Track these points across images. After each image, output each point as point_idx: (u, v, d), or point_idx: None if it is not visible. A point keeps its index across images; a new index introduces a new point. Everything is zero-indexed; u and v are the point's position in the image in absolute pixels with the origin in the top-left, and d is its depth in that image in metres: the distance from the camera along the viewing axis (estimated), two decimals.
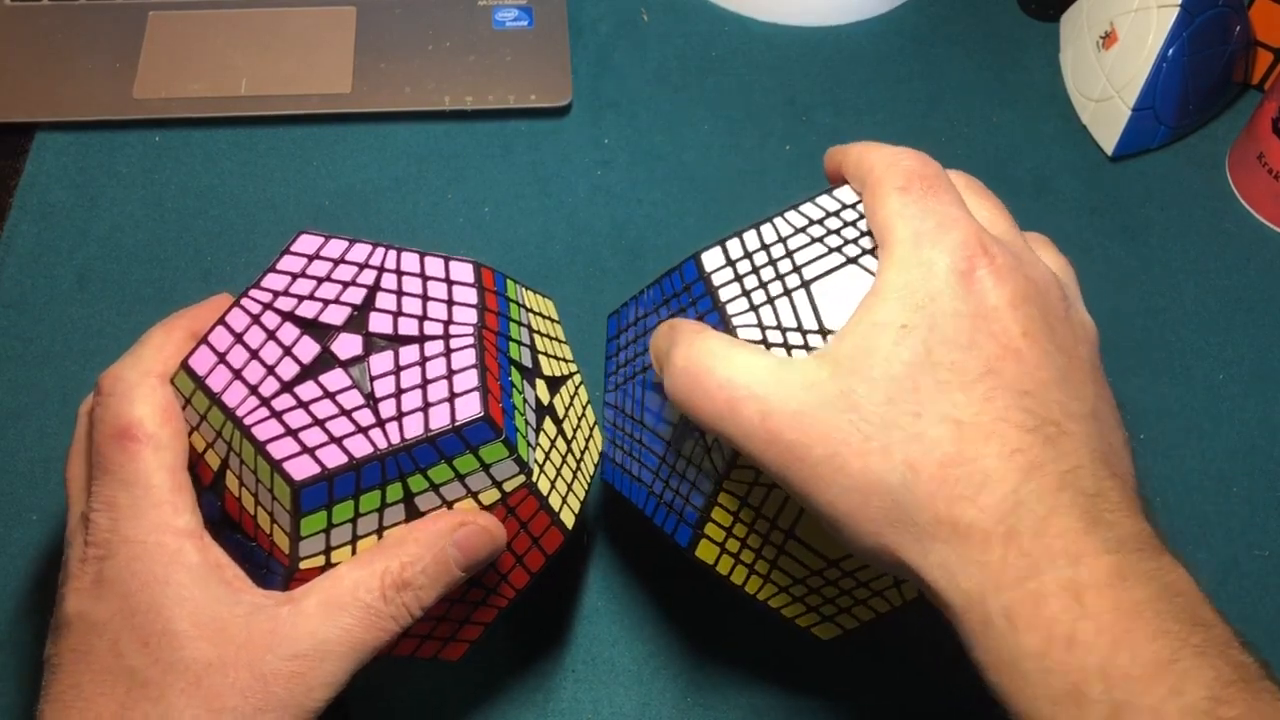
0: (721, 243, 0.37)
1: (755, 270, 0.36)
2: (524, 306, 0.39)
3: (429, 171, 0.58)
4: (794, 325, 0.35)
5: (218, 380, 0.35)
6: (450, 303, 0.37)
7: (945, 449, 0.30)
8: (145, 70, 0.59)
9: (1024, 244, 0.35)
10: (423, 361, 0.35)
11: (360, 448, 0.33)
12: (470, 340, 0.35)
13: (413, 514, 0.35)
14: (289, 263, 0.37)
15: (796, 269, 0.36)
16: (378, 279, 0.37)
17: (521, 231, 0.56)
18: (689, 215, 0.57)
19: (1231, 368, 0.53)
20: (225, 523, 0.35)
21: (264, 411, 0.34)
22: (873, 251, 0.37)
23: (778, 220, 0.38)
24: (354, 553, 0.35)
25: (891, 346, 0.31)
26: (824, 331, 0.35)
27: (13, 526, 0.46)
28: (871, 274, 0.36)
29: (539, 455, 0.37)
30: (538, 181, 0.58)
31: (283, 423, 0.34)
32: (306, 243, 0.38)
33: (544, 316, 0.41)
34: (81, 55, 0.59)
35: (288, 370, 0.35)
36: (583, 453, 0.40)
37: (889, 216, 0.34)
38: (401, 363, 0.35)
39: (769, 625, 0.40)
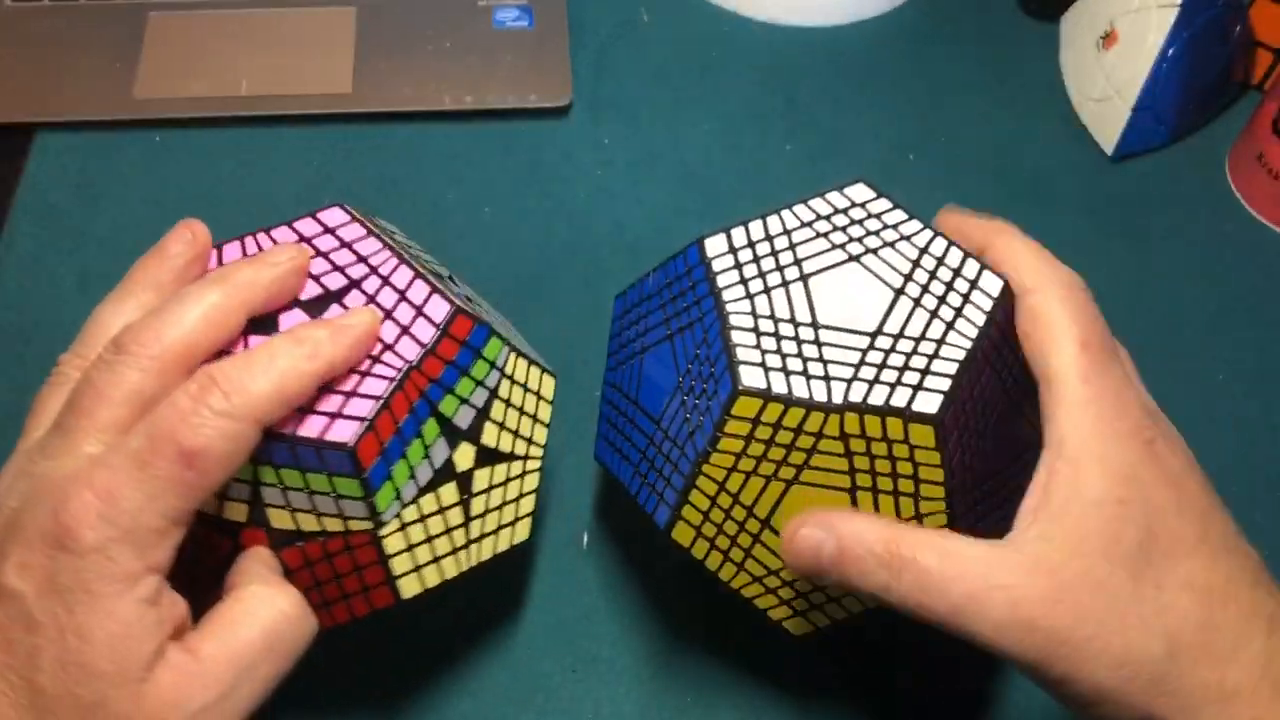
0: (726, 230, 0.37)
1: (756, 260, 0.37)
2: (501, 370, 0.37)
3: (429, 171, 0.58)
4: (787, 316, 0.35)
5: None
6: (404, 330, 0.35)
7: (1196, 616, 0.32)
8: (145, 70, 0.59)
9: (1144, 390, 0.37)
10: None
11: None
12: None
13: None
14: (305, 226, 0.38)
15: (797, 262, 0.37)
16: (364, 276, 0.36)
17: (521, 231, 0.56)
18: (689, 215, 0.57)
19: (1231, 368, 0.53)
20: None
21: None
22: (876, 251, 0.37)
23: (785, 213, 0.38)
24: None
25: (1118, 523, 0.32)
26: (816, 325, 0.35)
27: None
28: (873, 273, 0.36)
29: (410, 513, 0.35)
30: (538, 181, 0.58)
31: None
32: (332, 216, 0.38)
33: (531, 391, 0.39)
34: (81, 55, 0.59)
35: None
36: (483, 536, 0.38)
37: (1066, 371, 0.34)
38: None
39: (769, 625, 0.40)
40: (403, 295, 0.36)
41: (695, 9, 0.65)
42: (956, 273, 0.37)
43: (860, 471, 0.35)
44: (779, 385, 0.34)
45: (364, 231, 0.37)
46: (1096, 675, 0.32)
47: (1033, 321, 0.35)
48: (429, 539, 0.36)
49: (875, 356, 0.35)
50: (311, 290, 0.36)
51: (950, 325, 0.36)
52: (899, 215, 0.38)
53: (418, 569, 0.36)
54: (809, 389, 0.34)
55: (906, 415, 0.34)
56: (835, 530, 0.34)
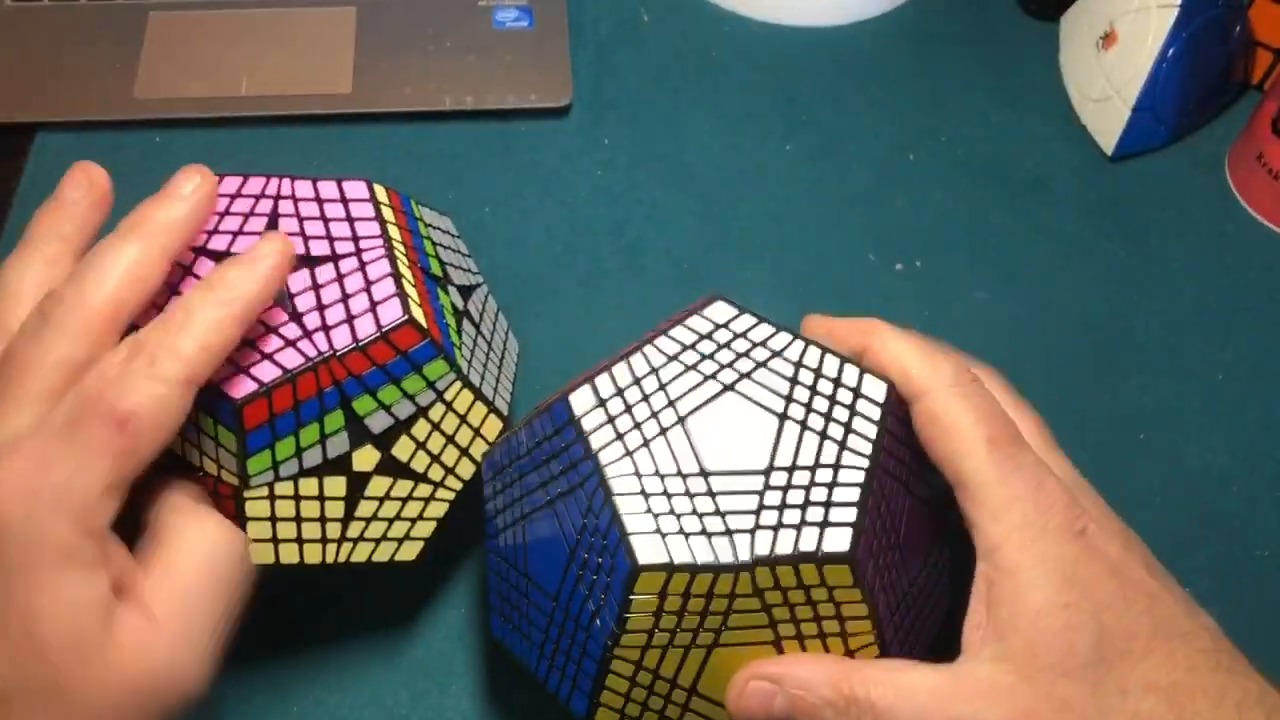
0: (590, 380, 0.35)
1: (628, 409, 0.34)
2: (439, 394, 0.38)
3: (429, 171, 0.58)
4: (672, 470, 0.33)
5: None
6: (349, 319, 0.36)
7: (1167, 718, 0.31)
8: (145, 70, 0.59)
9: (1061, 459, 0.35)
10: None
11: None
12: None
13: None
14: (326, 188, 0.38)
15: (671, 403, 0.34)
16: (347, 254, 0.37)
17: (521, 231, 0.56)
18: (689, 215, 0.57)
19: (1231, 368, 0.53)
20: None
21: None
22: (750, 375, 0.35)
23: (648, 349, 0.35)
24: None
25: (1069, 632, 0.31)
26: (705, 474, 0.33)
27: None
28: (752, 401, 0.34)
29: (284, 488, 0.36)
30: (538, 181, 0.58)
31: None
32: (354, 188, 0.39)
33: (469, 425, 0.39)
34: (81, 55, 0.59)
35: None
36: (361, 539, 0.38)
37: (981, 474, 0.33)
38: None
39: None
40: (368, 286, 0.36)
41: (695, 9, 0.65)
42: (837, 383, 0.35)
43: (782, 622, 0.33)
44: (680, 553, 0.32)
45: (371, 213, 0.38)
46: None
47: (933, 425, 0.34)
48: (297, 519, 0.36)
49: (773, 498, 0.33)
50: (249, 243, 0.36)
51: (842, 445, 0.34)
52: (765, 330, 0.36)
53: (275, 541, 0.36)
54: (713, 550, 0.32)
55: (819, 558, 0.32)
56: (782, 681, 0.33)
